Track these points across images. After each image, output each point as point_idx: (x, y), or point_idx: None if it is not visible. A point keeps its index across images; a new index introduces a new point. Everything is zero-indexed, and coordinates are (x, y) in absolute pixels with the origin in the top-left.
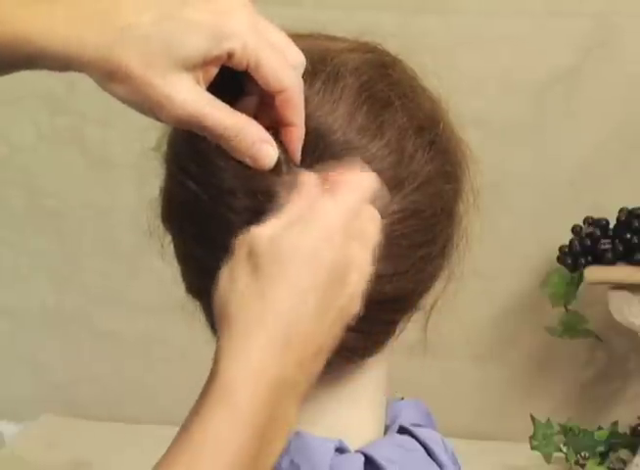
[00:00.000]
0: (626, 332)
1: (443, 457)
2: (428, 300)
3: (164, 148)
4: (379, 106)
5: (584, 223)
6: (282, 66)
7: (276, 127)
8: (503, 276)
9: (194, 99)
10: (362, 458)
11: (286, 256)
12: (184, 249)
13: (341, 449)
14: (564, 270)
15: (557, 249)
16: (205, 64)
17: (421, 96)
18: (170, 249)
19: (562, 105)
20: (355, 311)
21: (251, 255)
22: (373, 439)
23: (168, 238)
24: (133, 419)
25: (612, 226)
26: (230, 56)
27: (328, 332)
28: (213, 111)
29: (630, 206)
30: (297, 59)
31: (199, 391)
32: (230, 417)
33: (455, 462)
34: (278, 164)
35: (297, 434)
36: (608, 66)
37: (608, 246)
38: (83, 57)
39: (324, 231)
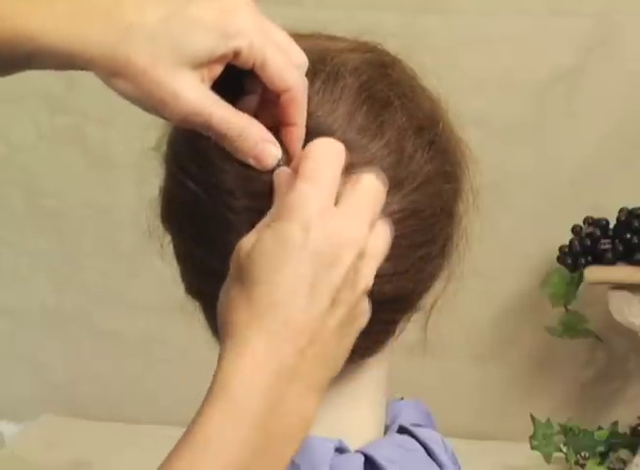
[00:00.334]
0: (626, 332)
1: (443, 457)
2: (428, 299)
3: (164, 148)
4: (378, 106)
5: (584, 223)
6: (287, 65)
7: (276, 127)
8: (503, 276)
9: (199, 97)
10: (362, 458)
11: (263, 256)
12: (183, 249)
13: (340, 449)
14: (564, 270)
15: (557, 249)
16: (211, 62)
17: (420, 96)
18: (170, 249)
19: (562, 104)
20: (353, 291)
21: (237, 268)
22: (373, 439)
23: (168, 238)
24: (133, 419)
25: (612, 226)
26: (236, 54)
27: (322, 317)
28: (218, 110)
29: (630, 206)
30: (301, 59)
31: (199, 391)
32: (228, 411)
33: (455, 462)
34: (277, 164)
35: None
36: (609, 65)
37: (608, 246)
38: (87, 53)
39: (299, 222)
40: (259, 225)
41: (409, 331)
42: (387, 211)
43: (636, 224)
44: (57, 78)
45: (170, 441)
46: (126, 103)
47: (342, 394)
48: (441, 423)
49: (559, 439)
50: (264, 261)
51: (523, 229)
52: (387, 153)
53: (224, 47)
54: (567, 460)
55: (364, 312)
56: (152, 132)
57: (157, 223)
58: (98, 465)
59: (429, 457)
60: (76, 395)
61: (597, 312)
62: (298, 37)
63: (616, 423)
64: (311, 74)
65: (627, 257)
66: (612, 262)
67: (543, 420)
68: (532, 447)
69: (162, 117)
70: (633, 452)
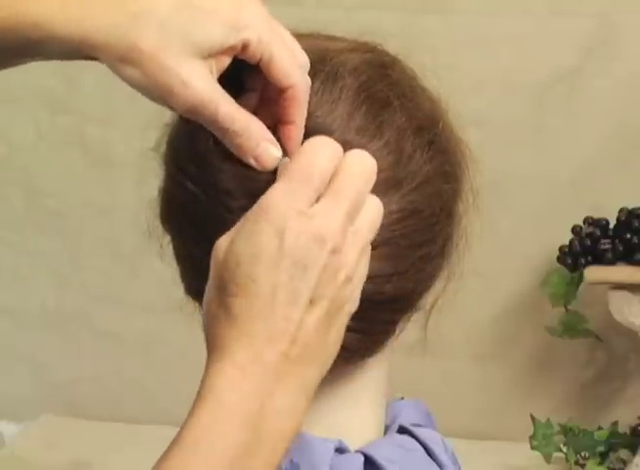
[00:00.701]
0: (626, 332)
1: (443, 457)
2: (428, 299)
3: (164, 148)
4: (378, 106)
5: (584, 223)
6: (292, 62)
7: (274, 126)
8: (503, 276)
9: (208, 88)
10: (362, 458)
11: (239, 266)
12: (183, 249)
13: (340, 449)
14: (564, 270)
15: (557, 249)
16: (220, 53)
17: (420, 96)
18: (170, 249)
19: (562, 105)
20: (334, 284)
21: (215, 275)
22: (373, 439)
23: (168, 238)
24: (133, 419)
25: (612, 226)
26: (245, 47)
27: (301, 319)
28: (225, 104)
29: (630, 206)
30: (304, 59)
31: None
32: (216, 413)
33: (455, 462)
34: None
35: (298, 434)
36: (609, 65)
37: (608, 246)
38: (96, 39)
39: (274, 226)
40: (236, 227)
41: (409, 331)
42: (386, 211)
43: (636, 224)
44: (57, 78)
45: (170, 441)
46: (126, 103)
47: (342, 394)
48: (442, 423)
49: (559, 439)
50: (240, 271)
51: (523, 229)
52: (386, 153)
53: (234, 38)
54: (567, 460)
55: (349, 299)
56: (152, 132)
57: (156, 224)
58: (98, 465)
59: (429, 457)
60: (76, 395)
61: (597, 312)
62: (298, 37)
63: (616, 423)
64: (311, 74)
65: (627, 257)
66: (612, 262)
67: (543, 420)
68: (532, 447)
69: (168, 106)
70: (633, 452)
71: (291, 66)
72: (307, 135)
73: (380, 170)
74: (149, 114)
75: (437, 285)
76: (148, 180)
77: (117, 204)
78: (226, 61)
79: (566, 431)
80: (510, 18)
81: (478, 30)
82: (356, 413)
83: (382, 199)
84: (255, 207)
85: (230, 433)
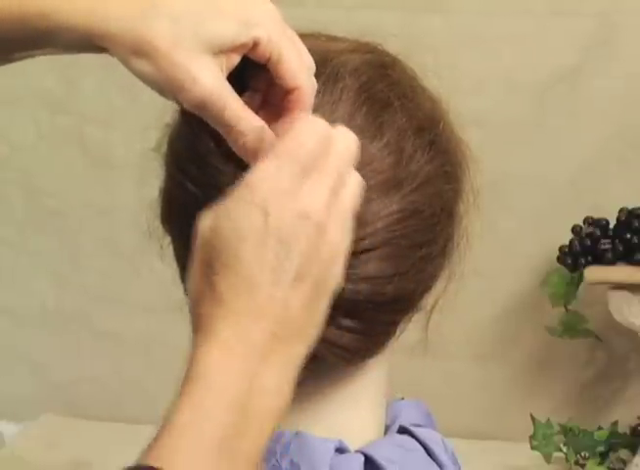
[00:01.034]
0: (626, 332)
1: (443, 457)
2: (428, 300)
3: (164, 149)
4: (378, 106)
5: (584, 223)
6: (300, 64)
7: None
8: (503, 276)
9: (218, 85)
10: (362, 458)
11: (223, 243)
12: (184, 250)
13: (341, 449)
14: (564, 270)
15: (557, 249)
16: (231, 50)
17: (421, 96)
18: (170, 250)
19: (563, 105)
20: (318, 262)
21: (199, 253)
22: (373, 439)
23: (168, 239)
24: (133, 419)
25: (612, 226)
26: (255, 45)
27: (286, 297)
28: (234, 102)
29: (630, 206)
30: (310, 61)
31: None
32: (204, 394)
33: (455, 462)
34: None
35: (298, 434)
36: (609, 65)
37: (608, 246)
38: (106, 30)
39: (257, 204)
40: (220, 205)
41: (410, 331)
42: (386, 212)
43: (636, 224)
44: (57, 79)
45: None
46: (126, 103)
47: (342, 394)
48: (442, 423)
49: (559, 439)
50: (225, 249)
51: (523, 229)
52: (386, 153)
53: (245, 36)
54: (567, 460)
55: (333, 276)
56: (151, 133)
57: (157, 224)
58: (98, 465)
59: (429, 457)
60: (76, 395)
61: (597, 312)
62: (299, 37)
63: (616, 423)
64: None
65: (627, 257)
66: (612, 262)
67: (543, 420)
68: (532, 447)
69: (177, 100)
70: (633, 452)
71: (298, 67)
72: None
73: (380, 171)
74: (149, 114)
75: (438, 285)
76: (147, 181)
77: (117, 204)
78: (236, 59)
79: (566, 431)
80: (510, 17)
81: (478, 30)
82: (356, 413)
83: (382, 199)
84: (240, 184)
85: (218, 413)
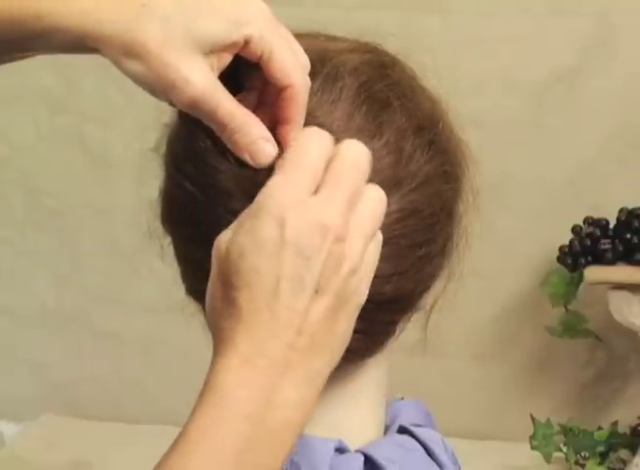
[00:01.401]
0: (626, 332)
1: (443, 457)
2: (428, 299)
3: (163, 149)
4: (378, 106)
5: (584, 223)
6: (293, 62)
7: (273, 126)
8: (503, 276)
9: (209, 84)
10: (362, 458)
11: (241, 258)
12: (184, 250)
13: (340, 449)
14: (564, 270)
15: (557, 249)
16: (222, 50)
17: (420, 96)
18: (170, 250)
19: (562, 104)
20: (337, 275)
21: (218, 269)
22: (373, 439)
23: (168, 239)
24: (133, 419)
25: (612, 226)
26: (247, 43)
27: (306, 309)
28: (226, 100)
29: (630, 206)
30: (305, 59)
31: (199, 391)
32: (221, 406)
33: (455, 462)
34: (273, 163)
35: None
36: (609, 65)
37: (608, 246)
38: (100, 32)
39: (274, 217)
40: (237, 221)
41: (409, 331)
42: (386, 211)
43: (636, 224)
44: (56, 79)
45: (170, 441)
46: (126, 103)
47: (341, 394)
48: (442, 423)
49: (559, 439)
50: (243, 264)
51: (522, 229)
52: (385, 153)
53: (236, 34)
54: (567, 460)
55: (356, 292)
56: (150, 132)
57: (157, 224)
58: (98, 465)
59: (428, 457)
60: (76, 395)
61: (597, 312)
62: (298, 37)
63: (616, 423)
64: (310, 75)
65: (627, 257)
66: (612, 262)
67: (543, 420)
68: (532, 447)
69: (169, 100)
70: (633, 452)
71: (291, 65)
72: None
73: (380, 170)
74: (148, 114)
75: (437, 285)
76: (147, 180)
77: (117, 204)
78: (227, 58)
79: (566, 431)
80: (509, 18)
81: (477, 30)
82: (356, 413)
83: None
84: (255, 200)
85: (236, 426)
